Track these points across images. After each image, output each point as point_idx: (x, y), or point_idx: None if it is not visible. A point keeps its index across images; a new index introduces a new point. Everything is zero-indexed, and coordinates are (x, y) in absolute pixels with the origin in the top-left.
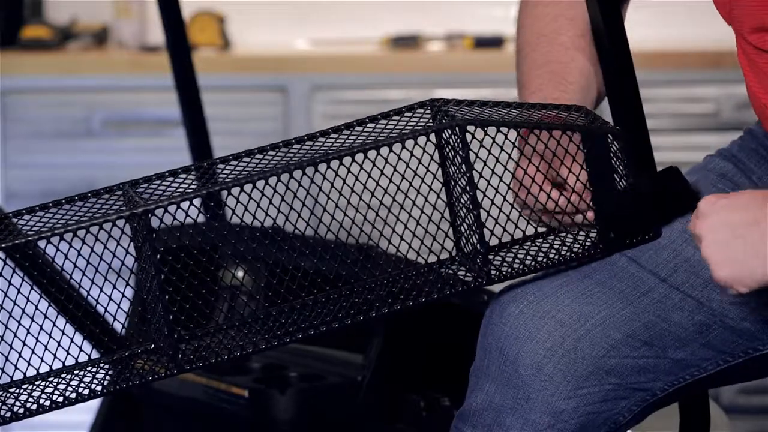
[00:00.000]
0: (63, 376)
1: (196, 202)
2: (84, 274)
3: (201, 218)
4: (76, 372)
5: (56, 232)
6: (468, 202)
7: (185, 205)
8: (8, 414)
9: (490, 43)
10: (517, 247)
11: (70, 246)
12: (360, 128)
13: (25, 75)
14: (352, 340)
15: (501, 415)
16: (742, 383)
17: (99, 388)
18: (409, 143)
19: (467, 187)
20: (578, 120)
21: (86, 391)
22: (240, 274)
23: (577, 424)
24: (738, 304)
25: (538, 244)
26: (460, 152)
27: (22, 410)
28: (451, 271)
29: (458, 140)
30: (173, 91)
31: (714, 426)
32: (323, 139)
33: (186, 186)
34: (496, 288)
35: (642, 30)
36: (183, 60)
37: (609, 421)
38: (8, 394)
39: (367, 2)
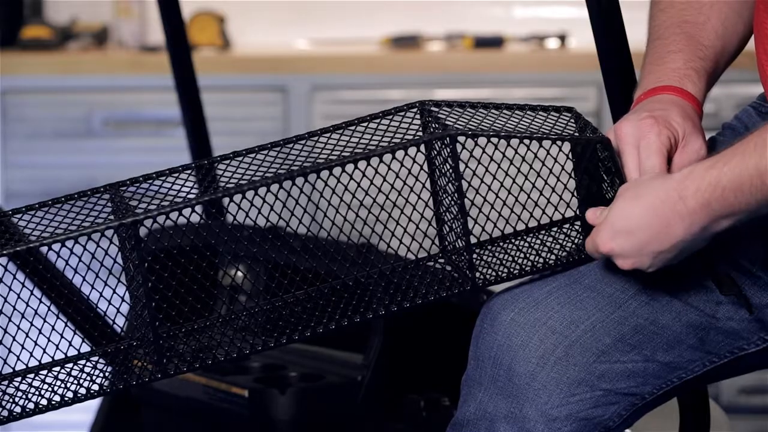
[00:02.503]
0: (60, 376)
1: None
2: (76, 273)
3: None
4: (70, 369)
5: (45, 242)
6: (456, 210)
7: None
8: (5, 414)
9: (490, 43)
10: (503, 253)
11: (62, 247)
12: (350, 130)
13: (25, 75)
14: (352, 340)
15: (495, 425)
16: (743, 383)
17: (96, 387)
18: (399, 153)
19: (455, 196)
20: (568, 125)
21: (83, 391)
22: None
23: (569, 431)
24: (724, 303)
25: (525, 250)
26: (450, 162)
27: (18, 409)
28: (446, 272)
29: (448, 150)
30: (173, 91)
31: (714, 426)
32: (323, 139)
33: (176, 190)
34: (497, 288)
35: (641, 30)
36: (183, 60)
37: (600, 426)
38: (5, 393)
39: (367, 2)
